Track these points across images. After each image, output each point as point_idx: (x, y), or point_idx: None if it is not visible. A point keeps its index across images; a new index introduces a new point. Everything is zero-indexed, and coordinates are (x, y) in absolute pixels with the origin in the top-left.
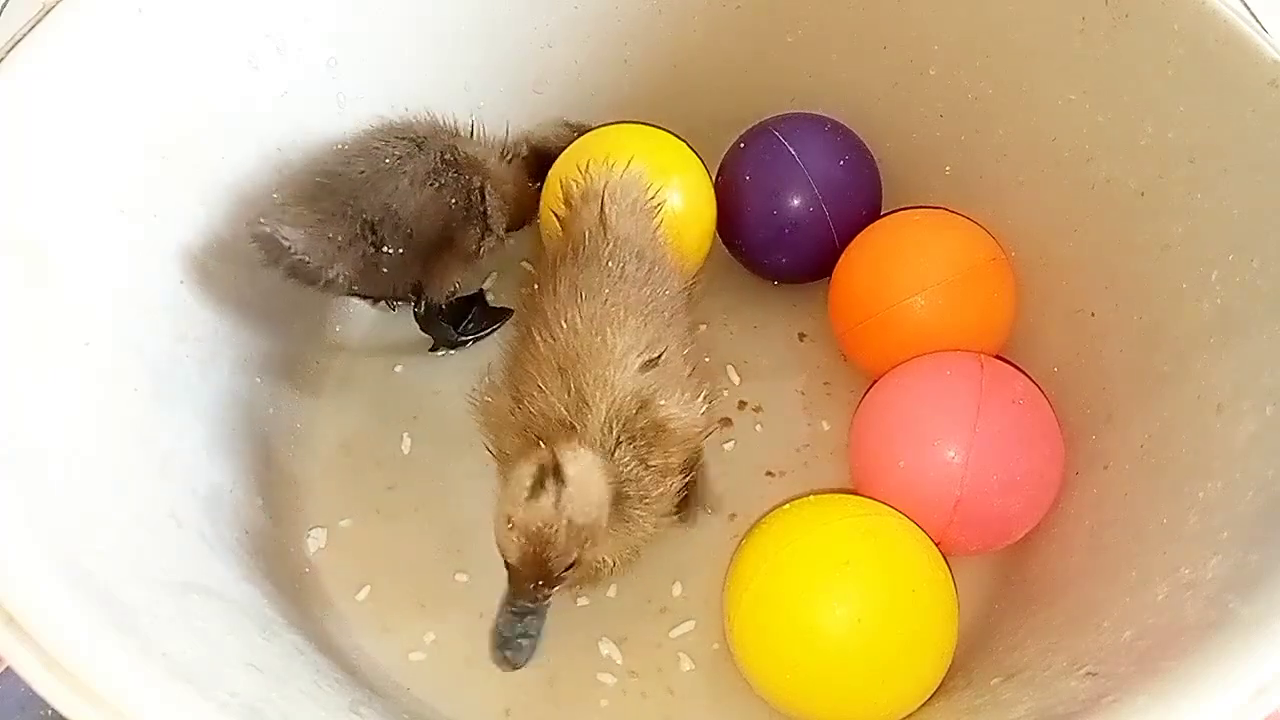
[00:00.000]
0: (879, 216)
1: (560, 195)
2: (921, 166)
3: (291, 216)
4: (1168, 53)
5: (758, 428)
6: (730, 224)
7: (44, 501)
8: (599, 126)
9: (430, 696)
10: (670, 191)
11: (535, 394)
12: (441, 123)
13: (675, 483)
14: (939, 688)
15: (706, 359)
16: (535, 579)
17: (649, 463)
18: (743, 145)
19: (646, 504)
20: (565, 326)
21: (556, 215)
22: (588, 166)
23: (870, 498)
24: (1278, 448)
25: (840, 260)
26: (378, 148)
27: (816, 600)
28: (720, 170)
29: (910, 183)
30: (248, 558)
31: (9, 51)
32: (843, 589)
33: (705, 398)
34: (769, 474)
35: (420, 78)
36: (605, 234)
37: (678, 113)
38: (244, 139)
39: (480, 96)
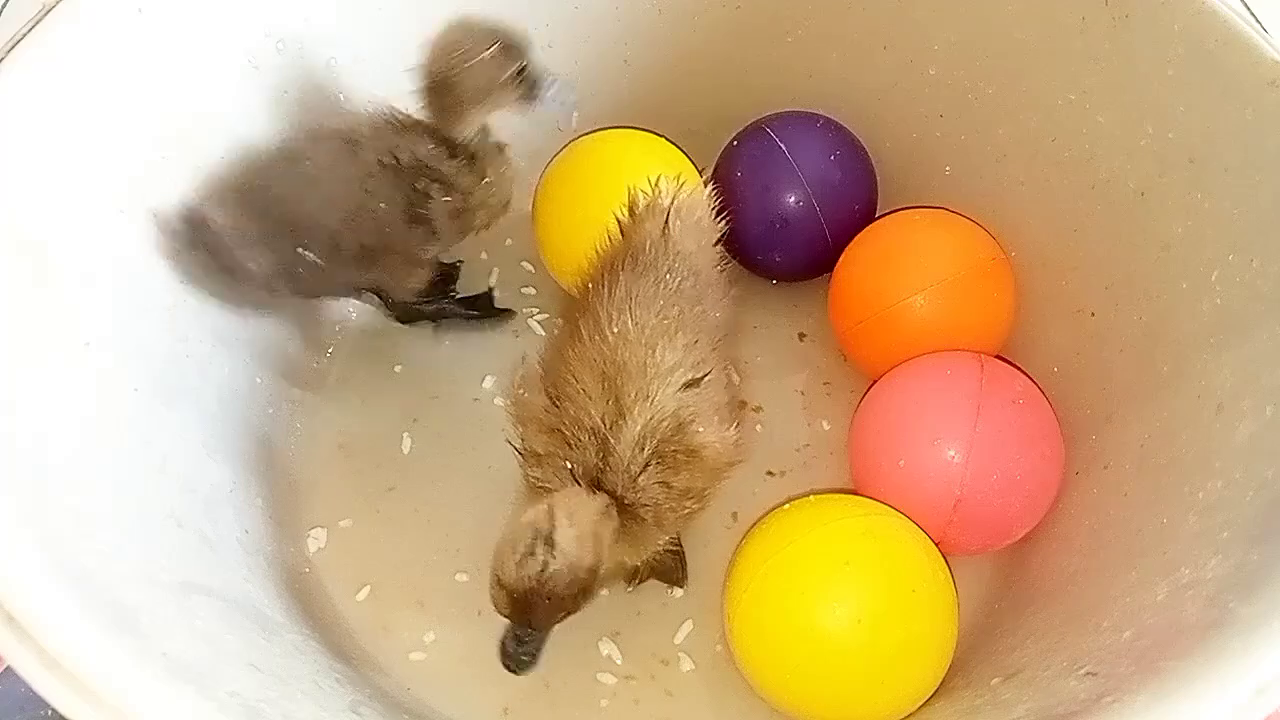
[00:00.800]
0: (874, 212)
1: (625, 203)
2: (921, 166)
3: (222, 210)
4: (1168, 53)
5: (758, 428)
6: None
7: (44, 501)
8: (592, 130)
9: (430, 696)
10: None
11: (574, 397)
12: (397, 117)
13: (694, 506)
14: (939, 688)
15: (743, 400)
16: (526, 624)
17: (672, 484)
18: (736, 143)
19: (662, 525)
20: (616, 332)
21: (618, 221)
22: (657, 179)
23: (870, 498)
24: (1278, 448)
25: (840, 259)
26: (307, 156)
27: (816, 600)
28: (715, 169)
29: (910, 183)
30: (248, 558)
31: (9, 51)
32: (843, 589)
33: (738, 427)
34: (769, 474)
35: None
36: (667, 248)
37: (677, 113)
38: (244, 139)
39: None
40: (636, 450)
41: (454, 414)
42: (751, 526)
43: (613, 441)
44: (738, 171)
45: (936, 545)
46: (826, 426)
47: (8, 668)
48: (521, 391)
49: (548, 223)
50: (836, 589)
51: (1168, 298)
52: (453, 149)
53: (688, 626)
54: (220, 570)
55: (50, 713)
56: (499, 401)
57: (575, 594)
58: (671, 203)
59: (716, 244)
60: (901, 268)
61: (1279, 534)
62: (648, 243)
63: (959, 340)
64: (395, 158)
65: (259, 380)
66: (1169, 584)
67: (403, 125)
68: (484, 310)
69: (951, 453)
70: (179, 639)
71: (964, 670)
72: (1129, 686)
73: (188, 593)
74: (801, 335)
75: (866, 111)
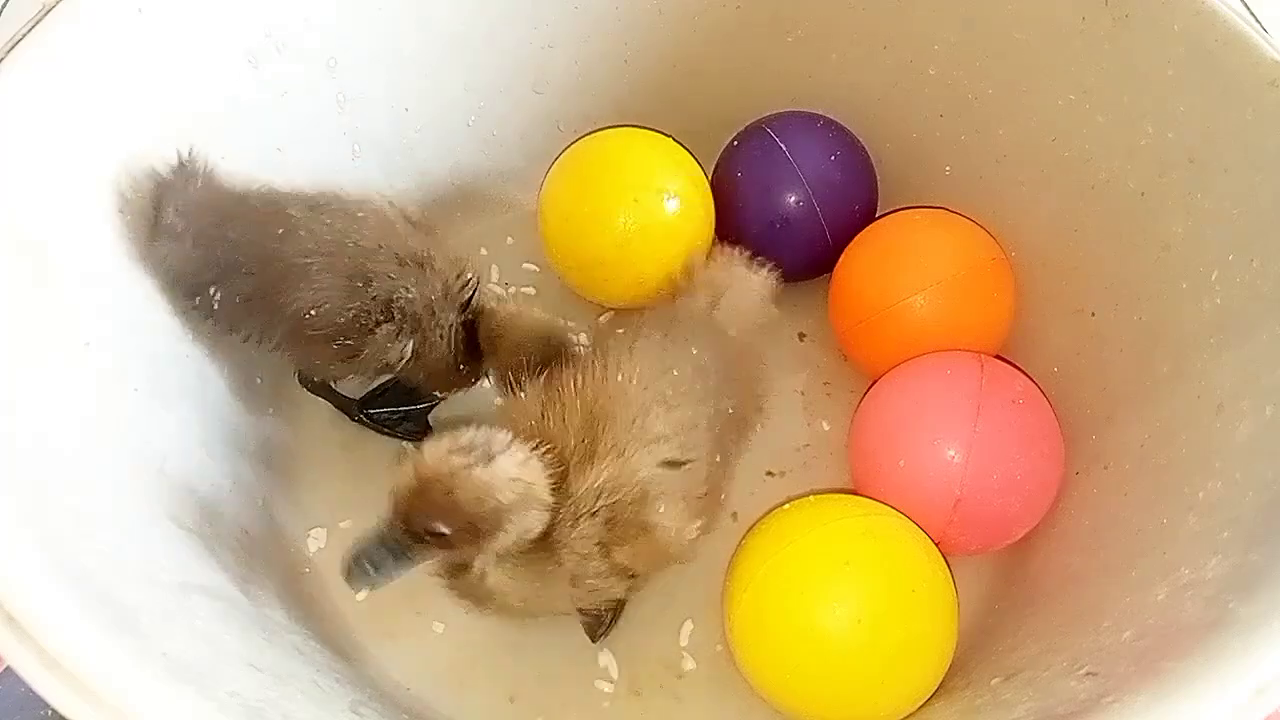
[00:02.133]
0: (874, 212)
1: (686, 264)
2: (921, 166)
3: (185, 197)
4: (1168, 53)
5: (758, 428)
6: (725, 222)
7: (44, 501)
8: (593, 130)
9: (430, 696)
10: (668, 196)
11: (558, 419)
12: (417, 253)
13: (617, 587)
14: (939, 688)
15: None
16: (402, 524)
17: (610, 554)
18: (736, 143)
19: (576, 583)
20: (620, 380)
21: (674, 281)
22: (718, 250)
23: (870, 498)
24: (1278, 448)
25: (840, 259)
26: (291, 216)
27: (816, 600)
28: (715, 169)
29: (910, 183)
30: (248, 558)
31: (9, 51)
32: (843, 589)
33: (702, 526)
34: (769, 474)
35: (420, 78)
36: (708, 328)
37: (678, 113)
38: (244, 139)
39: (480, 97)
40: (590, 497)
41: (454, 415)
42: (751, 526)
43: (573, 477)
44: (738, 171)
45: (936, 545)
46: (826, 426)
47: (8, 668)
48: (520, 391)
49: (553, 221)
50: (836, 589)
51: (1168, 298)
52: (471, 335)
53: (688, 626)
54: (220, 570)
55: (50, 713)
56: (499, 401)
57: (462, 522)
58: (728, 282)
59: (758, 344)
60: (901, 268)
61: (1279, 534)
62: (688, 316)
63: (959, 340)
64: (368, 278)
65: (259, 380)
66: (1169, 584)
67: (420, 262)
68: (405, 429)
69: (951, 453)
70: (179, 639)
71: (964, 670)
72: (1129, 686)
73: (188, 593)
74: (801, 335)
75: (866, 111)
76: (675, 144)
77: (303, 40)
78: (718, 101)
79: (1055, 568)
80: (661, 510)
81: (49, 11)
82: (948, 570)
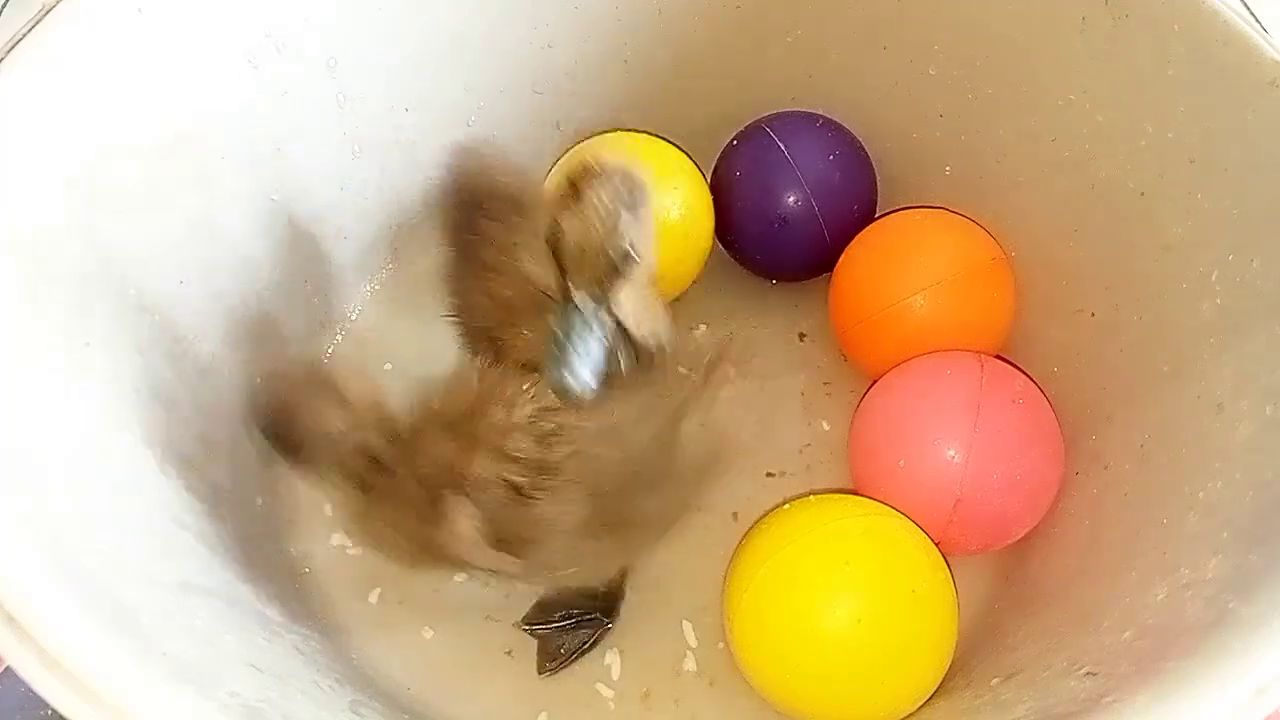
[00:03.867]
0: (873, 212)
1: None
2: (921, 166)
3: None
4: (1168, 53)
5: (758, 428)
6: (724, 221)
7: (44, 502)
8: (597, 134)
9: (430, 696)
10: (668, 200)
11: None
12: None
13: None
14: (939, 688)
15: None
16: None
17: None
18: (736, 143)
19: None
20: (524, 392)
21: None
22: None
23: (870, 498)
24: (1278, 448)
25: (841, 259)
26: None
27: (816, 600)
28: (715, 169)
29: (910, 183)
30: (248, 558)
31: (9, 51)
32: (843, 589)
33: (505, 563)
34: (769, 475)
35: (420, 78)
36: (659, 420)
37: (678, 113)
38: (244, 139)
39: (480, 97)
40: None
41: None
42: (751, 526)
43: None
44: (737, 171)
45: (936, 545)
46: (826, 426)
47: (8, 668)
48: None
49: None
50: (836, 589)
51: (1168, 298)
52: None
53: (688, 626)
54: (220, 570)
55: (50, 713)
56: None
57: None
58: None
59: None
60: (901, 268)
61: (1279, 534)
62: (685, 399)
63: (959, 340)
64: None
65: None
66: (1169, 584)
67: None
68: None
69: (951, 453)
70: (179, 639)
71: (964, 670)
72: (1129, 686)
73: (188, 593)
74: (801, 335)
75: (866, 111)
76: (676, 148)
77: (303, 40)
78: (718, 101)
79: (1055, 568)
80: (463, 512)
81: (49, 11)
82: (948, 570)
